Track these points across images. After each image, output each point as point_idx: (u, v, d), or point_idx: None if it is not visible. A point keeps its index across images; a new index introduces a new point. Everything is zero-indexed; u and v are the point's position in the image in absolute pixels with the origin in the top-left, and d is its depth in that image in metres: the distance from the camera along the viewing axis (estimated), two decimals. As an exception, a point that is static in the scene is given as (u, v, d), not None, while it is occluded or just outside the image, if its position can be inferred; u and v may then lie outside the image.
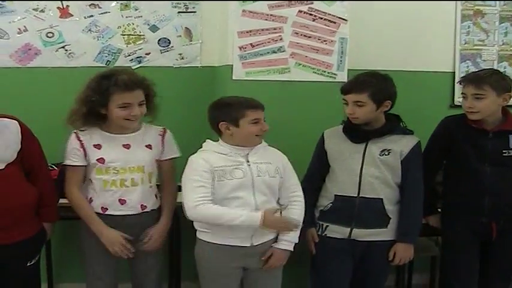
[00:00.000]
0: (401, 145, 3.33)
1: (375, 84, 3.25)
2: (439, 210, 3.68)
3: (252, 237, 3.12)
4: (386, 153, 3.31)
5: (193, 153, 3.23)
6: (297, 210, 3.23)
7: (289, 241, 3.20)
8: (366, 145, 3.32)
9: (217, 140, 3.22)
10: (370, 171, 3.30)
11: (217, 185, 3.08)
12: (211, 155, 3.14)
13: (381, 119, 3.35)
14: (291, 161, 3.34)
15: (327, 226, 3.37)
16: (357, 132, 3.33)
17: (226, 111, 3.13)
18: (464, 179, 3.45)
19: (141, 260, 3.32)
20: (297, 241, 3.22)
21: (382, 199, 3.32)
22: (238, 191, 3.08)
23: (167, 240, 3.51)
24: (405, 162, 3.33)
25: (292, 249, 3.22)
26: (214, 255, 3.15)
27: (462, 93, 3.43)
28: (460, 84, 3.48)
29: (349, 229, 3.33)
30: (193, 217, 3.10)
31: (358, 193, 3.31)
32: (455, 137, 3.48)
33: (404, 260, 3.41)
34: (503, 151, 3.32)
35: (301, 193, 3.27)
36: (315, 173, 3.47)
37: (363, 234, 3.33)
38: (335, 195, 3.35)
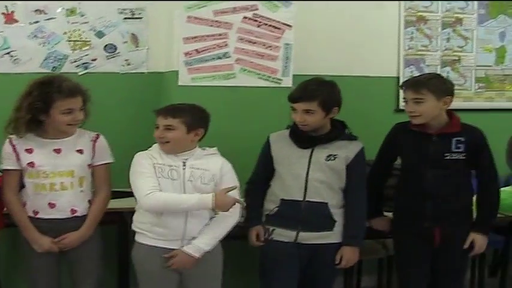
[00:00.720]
0: (347, 151, 3.40)
1: (324, 93, 3.31)
2: (385, 213, 3.76)
3: (182, 240, 3.18)
4: (332, 158, 3.37)
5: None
6: (218, 218, 3.26)
7: (198, 247, 3.18)
8: (312, 150, 3.37)
9: None
10: (316, 175, 3.35)
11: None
12: (155, 152, 3.24)
13: (327, 125, 3.41)
14: (235, 166, 3.36)
15: (274, 230, 3.40)
16: (304, 138, 3.39)
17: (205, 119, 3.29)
18: (409, 183, 3.53)
19: (78, 265, 3.36)
20: (207, 249, 3.21)
21: (327, 203, 3.38)
22: (170, 191, 3.16)
23: (115, 245, 3.53)
24: (350, 167, 3.40)
25: (198, 255, 3.18)
26: (147, 257, 3.20)
27: (404, 98, 3.51)
28: (401, 89, 3.57)
29: (295, 232, 3.36)
30: (146, 206, 3.15)
31: (304, 197, 3.35)
32: (401, 142, 3.56)
33: (351, 263, 3.47)
34: (445, 154, 3.37)
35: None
36: (260, 176, 3.52)
37: (309, 238, 3.38)
38: (281, 199, 3.39)
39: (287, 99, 3.37)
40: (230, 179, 3.29)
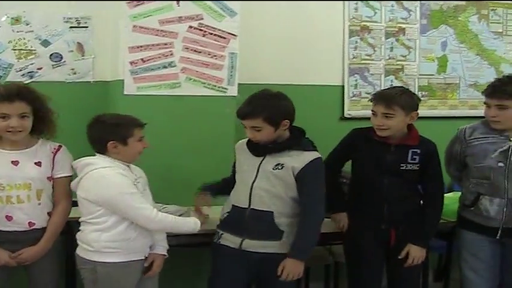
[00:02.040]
0: (296, 161, 3.38)
1: (268, 108, 3.29)
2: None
3: (150, 248, 3.30)
4: (279, 167, 3.39)
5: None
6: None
7: (165, 246, 3.39)
8: (263, 159, 3.41)
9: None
10: (261, 184, 3.39)
11: None
12: (122, 169, 3.23)
13: (284, 135, 3.42)
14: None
15: (222, 234, 3.46)
16: (256, 147, 3.43)
17: (115, 131, 3.22)
18: (366, 189, 3.64)
19: (38, 278, 3.37)
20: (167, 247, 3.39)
21: (272, 212, 3.39)
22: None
23: (63, 259, 3.56)
24: (299, 178, 3.37)
25: (164, 252, 3.38)
26: (125, 274, 3.23)
27: (372, 110, 3.56)
28: (371, 101, 3.61)
29: (240, 239, 3.41)
30: (156, 227, 3.25)
31: (249, 205, 3.40)
32: (358, 147, 3.67)
33: (293, 276, 3.35)
34: (402, 164, 3.51)
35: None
36: (229, 183, 3.59)
37: (253, 246, 3.40)
38: (232, 205, 3.46)
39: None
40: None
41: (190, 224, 3.30)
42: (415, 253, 3.52)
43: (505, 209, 3.52)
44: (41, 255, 3.31)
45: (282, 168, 3.38)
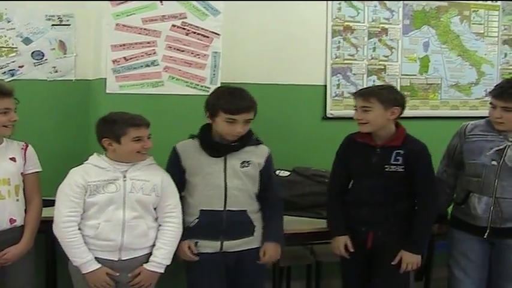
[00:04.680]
0: (257, 156, 3.52)
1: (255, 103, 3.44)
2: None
3: (120, 251, 3.28)
4: (246, 164, 3.48)
5: (72, 167, 3.36)
6: (169, 232, 3.37)
7: (159, 263, 3.32)
8: (225, 158, 3.46)
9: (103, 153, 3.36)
10: (234, 184, 3.46)
11: (89, 200, 3.23)
12: (90, 168, 3.30)
13: None
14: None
15: (197, 242, 3.47)
16: (218, 147, 3.46)
17: (109, 128, 3.28)
18: (351, 190, 3.72)
19: (14, 278, 3.38)
20: (168, 263, 3.36)
21: (246, 210, 3.51)
22: (109, 205, 3.24)
23: (44, 256, 3.59)
24: (263, 172, 3.54)
25: (162, 271, 3.36)
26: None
27: (354, 106, 3.63)
28: (353, 97, 3.68)
29: (219, 242, 3.47)
30: (55, 233, 3.26)
31: (225, 207, 3.46)
32: (349, 152, 3.73)
33: (274, 259, 3.59)
34: (385, 166, 3.51)
35: (177, 214, 3.41)
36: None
37: (233, 246, 3.49)
38: (200, 210, 3.44)
39: (231, 110, 3.39)
40: (170, 191, 3.41)
41: (79, 260, 3.22)
42: (408, 259, 3.52)
43: (491, 208, 3.59)
44: (24, 254, 3.36)
45: (249, 165, 3.49)
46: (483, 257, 3.74)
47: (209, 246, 3.47)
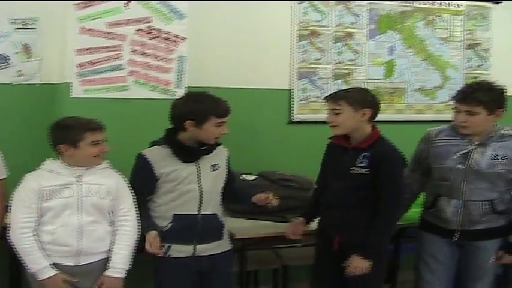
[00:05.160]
0: (221, 158, 3.60)
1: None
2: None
3: (77, 256, 3.27)
4: (216, 168, 3.54)
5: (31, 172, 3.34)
6: (125, 236, 3.38)
7: (119, 268, 3.32)
8: (197, 163, 3.49)
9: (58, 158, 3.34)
10: (208, 187, 3.50)
11: (44, 205, 3.22)
12: (45, 173, 3.28)
13: None
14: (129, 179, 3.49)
15: (169, 247, 3.46)
16: (191, 152, 3.48)
17: (65, 134, 3.27)
18: (324, 193, 3.73)
19: None
20: (128, 267, 3.36)
21: (217, 213, 3.57)
22: (65, 210, 3.23)
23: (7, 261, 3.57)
24: (229, 173, 3.65)
25: (123, 276, 3.35)
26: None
27: (327, 109, 3.65)
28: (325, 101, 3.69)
29: (192, 246, 3.48)
30: (11, 240, 3.24)
31: (199, 210, 3.48)
32: (327, 154, 3.77)
33: None
34: (351, 168, 3.49)
35: (132, 217, 3.41)
36: (144, 194, 3.50)
37: (206, 249, 3.51)
38: (174, 214, 3.44)
39: (222, 113, 3.44)
40: (125, 195, 3.42)
41: (35, 266, 3.20)
42: (356, 263, 3.47)
43: (460, 211, 3.65)
44: None
45: (218, 168, 3.55)
46: (451, 259, 3.80)
47: (182, 250, 3.47)
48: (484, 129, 3.62)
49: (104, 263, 3.34)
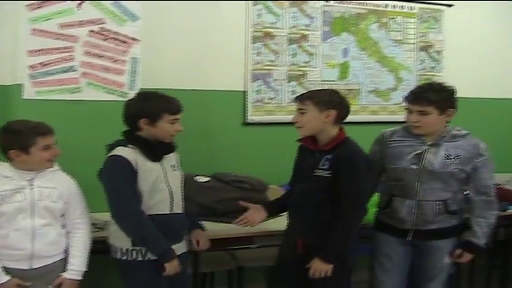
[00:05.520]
0: (176, 159, 3.61)
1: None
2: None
3: (30, 260, 3.25)
4: (175, 168, 3.56)
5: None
6: (81, 239, 3.39)
7: (78, 271, 3.34)
8: (162, 163, 3.47)
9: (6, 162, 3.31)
10: (174, 186, 3.50)
11: None
12: None
13: None
14: (82, 185, 3.46)
15: (148, 250, 3.38)
16: (157, 150, 3.46)
17: (14, 139, 3.22)
18: (292, 195, 3.76)
19: None
20: (85, 269, 3.37)
21: (183, 213, 3.56)
22: (18, 214, 3.21)
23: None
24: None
25: (80, 278, 3.36)
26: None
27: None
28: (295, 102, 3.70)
29: None
30: None
31: (171, 209, 3.47)
32: (297, 156, 3.78)
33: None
34: (314, 170, 3.50)
35: (86, 220, 3.42)
36: (134, 197, 3.38)
37: (177, 249, 3.45)
38: (149, 215, 3.34)
39: (175, 110, 3.45)
40: (76, 199, 3.42)
41: None
42: (317, 266, 3.48)
43: (414, 211, 3.71)
44: None
45: (176, 169, 3.57)
46: (405, 259, 3.86)
47: None
48: (436, 130, 3.70)
49: (57, 265, 3.34)
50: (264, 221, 3.85)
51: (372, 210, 3.92)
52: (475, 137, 3.77)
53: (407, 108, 3.75)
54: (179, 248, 3.50)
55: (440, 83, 3.84)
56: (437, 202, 3.70)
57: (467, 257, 3.84)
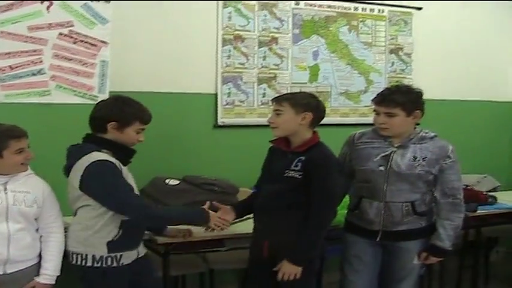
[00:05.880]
0: None
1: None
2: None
3: (4, 264, 3.25)
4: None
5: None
6: (55, 243, 3.39)
7: (52, 275, 3.35)
8: (127, 166, 3.47)
9: None
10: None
11: None
12: None
13: None
14: (57, 188, 3.46)
15: (122, 255, 3.35)
16: (129, 156, 3.46)
17: None
18: (258, 196, 3.78)
19: None
20: (58, 274, 3.37)
21: None
22: None
23: None
24: None
25: (53, 282, 3.36)
26: None
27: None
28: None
29: (136, 250, 3.46)
30: None
31: None
32: (268, 157, 3.80)
33: None
34: (285, 171, 3.51)
35: (60, 224, 3.42)
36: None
37: (141, 251, 3.51)
38: (122, 220, 3.32)
39: (148, 120, 3.46)
40: (51, 202, 3.42)
41: None
42: (286, 269, 3.48)
43: (382, 212, 3.75)
44: None
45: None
46: (375, 259, 3.90)
47: (131, 255, 3.42)
48: (404, 131, 3.75)
49: (31, 270, 3.34)
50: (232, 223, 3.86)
51: (341, 211, 3.95)
52: (442, 139, 3.83)
53: (375, 110, 3.80)
54: (141, 250, 3.53)
55: (408, 85, 3.91)
56: (405, 203, 3.75)
57: (433, 259, 3.89)
